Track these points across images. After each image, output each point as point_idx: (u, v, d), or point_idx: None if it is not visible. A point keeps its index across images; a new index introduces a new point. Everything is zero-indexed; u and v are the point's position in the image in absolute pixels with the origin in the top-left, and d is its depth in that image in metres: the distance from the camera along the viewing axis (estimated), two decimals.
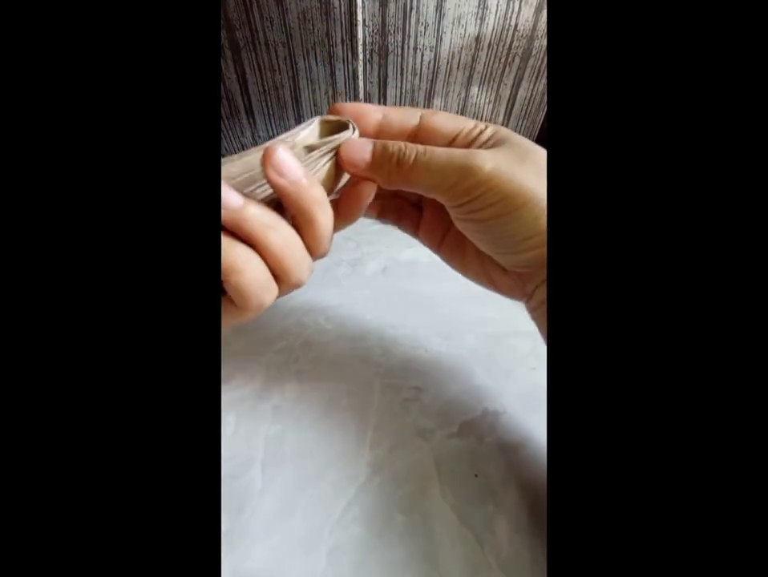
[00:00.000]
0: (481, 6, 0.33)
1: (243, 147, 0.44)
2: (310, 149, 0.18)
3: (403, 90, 0.39)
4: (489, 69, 0.38)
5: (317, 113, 0.41)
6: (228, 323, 0.18)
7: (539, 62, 0.38)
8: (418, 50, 0.36)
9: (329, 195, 0.18)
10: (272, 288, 0.18)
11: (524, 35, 0.35)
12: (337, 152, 0.18)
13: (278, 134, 0.42)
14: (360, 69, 0.37)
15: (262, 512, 0.22)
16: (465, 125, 0.20)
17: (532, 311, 0.21)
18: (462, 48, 0.36)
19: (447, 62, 0.37)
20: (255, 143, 0.44)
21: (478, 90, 0.40)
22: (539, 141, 0.18)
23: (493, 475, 0.23)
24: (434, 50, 0.36)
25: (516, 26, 0.35)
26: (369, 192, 0.20)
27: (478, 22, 0.34)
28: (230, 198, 0.15)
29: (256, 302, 0.17)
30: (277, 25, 0.34)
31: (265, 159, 0.16)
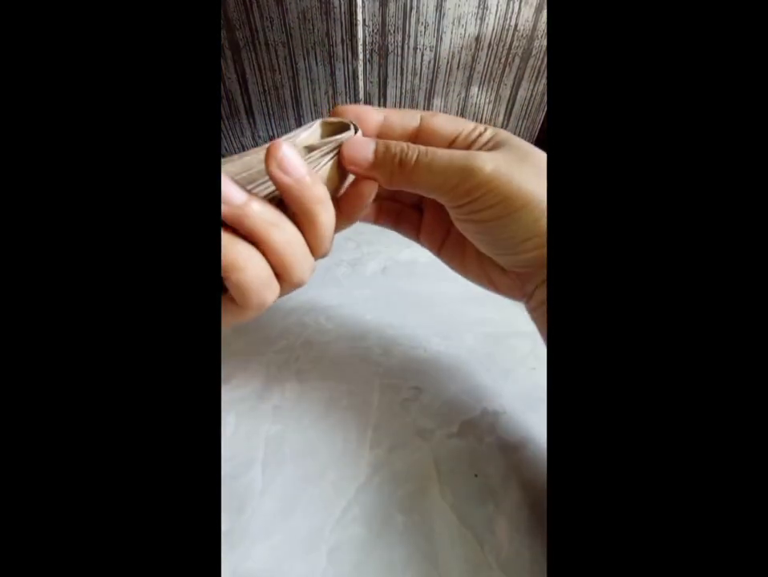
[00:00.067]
0: (481, 6, 0.33)
1: (243, 147, 0.44)
2: (310, 149, 0.18)
3: (403, 90, 0.39)
4: (489, 69, 0.38)
5: (317, 113, 0.41)
6: (229, 322, 0.18)
7: (539, 62, 0.38)
8: (418, 50, 0.36)
9: (330, 195, 0.18)
10: (274, 286, 0.17)
11: (524, 35, 0.35)
12: (338, 152, 0.18)
13: (278, 134, 0.42)
14: (360, 69, 0.37)
15: (262, 512, 0.22)
16: (465, 127, 0.20)
17: (532, 311, 0.21)
18: (462, 48, 0.36)
19: (447, 62, 0.37)
20: (255, 143, 0.44)
21: (479, 90, 0.40)
22: (539, 141, 0.18)
23: (493, 475, 0.23)
24: (434, 50, 0.36)
25: (516, 26, 0.35)
26: (370, 191, 0.20)
27: (478, 22, 0.34)
28: (232, 193, 0.15)
29: (257, 300, 0.17)
30: (277, 25, 0.34)
31: (268, 155, 0.16)
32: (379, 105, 0.40)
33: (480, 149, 0.19)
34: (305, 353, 0.30)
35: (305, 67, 0.37)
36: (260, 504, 0.22)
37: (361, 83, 0.38)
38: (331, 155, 0.18)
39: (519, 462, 0.24)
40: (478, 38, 0.35)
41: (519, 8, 0.34)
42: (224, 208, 0.15)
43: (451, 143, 0.20)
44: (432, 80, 0.38)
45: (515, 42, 0.36)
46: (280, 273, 0.17)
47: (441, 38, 0.35)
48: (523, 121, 0.43)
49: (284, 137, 0.18)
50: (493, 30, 0.35)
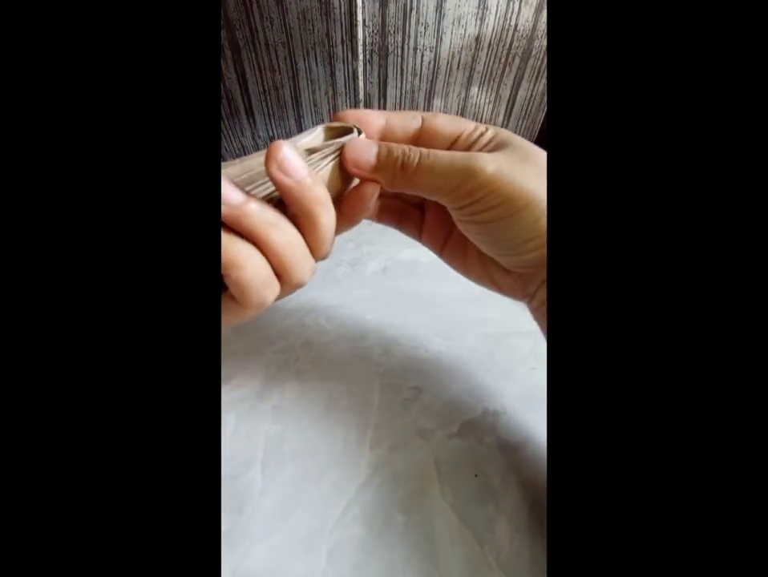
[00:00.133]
0: (481, 7, 0.33)
1: (243, 147, 0.44)
2: (312, 151, 0.18)
3: (403, 91, 0.39)
4: (489, 69, 0.38)
5: (316, 113, 0.41)
6: (230, 321, 0.18)
7: (539, 62, 0.38)
8: (418, 51, 0.36)
9: (333, 197, 0.18)
10: (274, 285, 0.17)
11: (524, 35, 0.36)
12: (340, 154, 0.18)
13: (278, 134, 0.42)
14: (360, 69, 0.37)
15: (262, 512, 0.22)
16: (466, 127, 0.20)
17: (534, 311, 0.21)
18: (462, 48, 0.36)
19: (447, 63, 0.37)
20: (255, 143, 0.44)
21: (479, 90, 0.40)
22: (539, 141, 0.18)
23: (493, 475, 0.23)
24: (434, 50, 0.36)
25: (516, 26, 0.35)
26: (372, 194, 0.20)
27: (479, 22, 0.34)
28: (230, 194, 0.15)
29: (257, 299, 0.17)
30: (277, 25, 0.34)
31: (269, 156, 0.16)
32: (379, 105, 0.40)
33: (482, 149, 0.19)
34: (305, 354, 0.30)
35: (305, 67, 0.37)
36: (259, 504, 0.22)
37: (361, 84, 0.38)
38: (331, 157, 0.18)
39: (519, 462, 0.24)
40: (478, 39, 0.35)
41: (519, 8, 0.34)
42: (223, 209, 0.15)
43: (453, 144, 0.20)
44: (432, 80, 0.38)
45: (515, 42, 0.36)
46: (280, 274, 0.18)
47: (441, 39, 0.35)
48: (523, 121, 0.43)
49: (287, 141, 0.18)
50: (493, 30, 0.35)
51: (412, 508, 0.22)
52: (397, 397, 0.27)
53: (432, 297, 0.34)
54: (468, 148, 0.19)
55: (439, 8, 0.33)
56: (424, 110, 0.41)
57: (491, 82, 0.39)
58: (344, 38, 0.35)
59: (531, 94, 0.41)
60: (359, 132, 0.19)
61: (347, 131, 0.19)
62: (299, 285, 0.18)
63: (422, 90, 0.39)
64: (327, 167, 0.18)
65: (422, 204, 0.25)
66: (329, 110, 0.40)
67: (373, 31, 0.34)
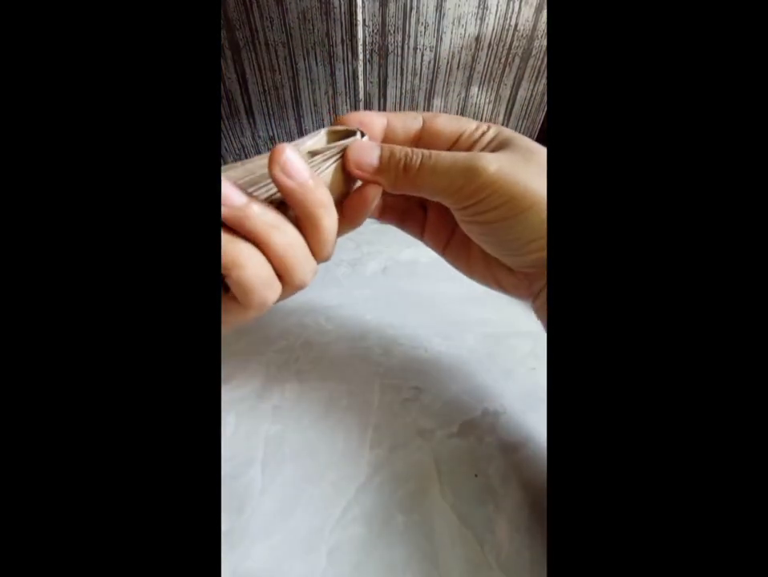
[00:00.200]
0: (481, 6, 0.33)
1: (243, 147, 0.44)
2: (314, 154, 0.18)
3: (403, 91, 0.39)
4: (489, 69, 0.38)
5: (317, 113, 0.41)
6: (231, 322, 0.18)
7: (539, 62, 0.38)
8: (418, 50, 0.36)
9: (335, 200, 0.18)
10: (276, 286, 0.18)
11: (524, 35, 0.35)
12: (343, 156, 0.18)
13: (278, 134, 0.42)
14: (360, 69, 0.37)
15: (262, 512, 0.22)
16: (467, 126, 0.20)
17: (538, 310, 0.21)
18: (462, 48, 0.36)
19: (447, 62, 0.37)
20: (255, 143, 0.44)
21: (479, 90, 0.40)
22: (538, 141, 0.18)
23: (493, 475, 0.23)
24: (434, 50, 0.36)
25: (516, 26, 0.35)
26: (374, 196, 0.20)
27: (478, 22, 0.34)
28: (232, 195, 0.15)
29: (259, 299, 0.17)
30: (277, 25, 0.34)
31: (272, 158, 0.16)
32: (379, 105, 0.40)
33: (483, 148, 0.19)
34: (305, 354, 0.30)
35: (305, 67, 0.37)
36: (259, 504, 0.22)
37: (361, 83, 0.38)
38: (334, 159, 0.18)
39: (519, 462, 0.24)
40: (478, 38, 0.35)
41: (519, 8, 0.34)
42: (224, 210, 0.15)
43: (454, 143, 0.20)
44: (432, 80, 0.38)
45: (515, 42, 0.36)
46: (281, 275, 0.18)
47: (441, 38, 0.35)
48: (523, 121, 0.43)
49: (288, 144, 0.18)
50: (493, 30, 0.35)
51: (412, 508, 0.22)
52: (397, 397, 0.27)
53: (432, 297, 0.34)
54: (470, 147, 0.19)
55: (439, 8, 0.33)
56: (424, 109, 0.41)
57: (491, 82, 0.39)
58: (344, 37, 0.35)
59: (531, 94, 0.41)
60: (362, 135, 0.19)
61: (350, 134, 0.19)
62: (300, 287, 0.18)
63: (422, 90, 0.39)
64: (329, 169, 0.18)
65: (425, 203, 0.24)
66: (329, 109, 0.40)
67: (373, 31, 0.34)
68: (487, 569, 0.20)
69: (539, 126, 0.44)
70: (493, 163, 0.17)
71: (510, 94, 0.41)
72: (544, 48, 0.36)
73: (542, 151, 0.18)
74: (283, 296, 0.18)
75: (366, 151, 0.19)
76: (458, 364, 0.29)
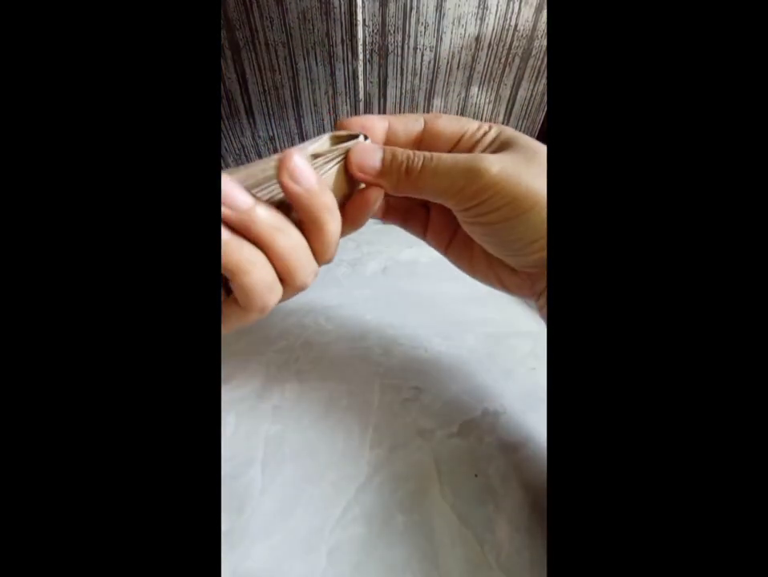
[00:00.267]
0: (481, 6, 0.33)
1: (243, 147, 0.44)
2: (315, 156, 0.18)
3: (403, 90, 0.39)
4: (489, 69, 0.38)
5: (317, 113, 0.41)
6: (232, 324, 0.18)
7: (539, 62, 0.38)
8: (418, 50, 0.36)
9: (338, 202, 0.18)
10: (278, 289, 0.18)
11: (524, 35, 0.35)
12: (345, 158, 0.19)
13: (278, 134, 0.42)
14: (360, 69, 0.37)
15: (262, 512, 0.22)
16: (469, 126, 0.20)
17: (541, 309, 0.21)
18: (462, 48, 0.36)
19: (447, 62, 0.37)
20: (255, 143, 0.44)
21: (479, 90, 0.40)
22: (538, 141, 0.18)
23: (493, 475, 0.23)
24: (434, 50, 0.36)
25: (516, 26, 0.35)
26: (376, 198, 0.20)
27: (479, 22, 0.34)
28: (239, 198, 0.15)
29: (261, 303, 0.17)
30: (277, 25, 0.34)
31: (281, 165, 0.16)
32: (379, 105, 0.40)
33: (485, 148, 0.19)
34: (305, 354, 0.30)
35: (305, 67, 0.37)
36: (259, 504, 0.22)
37: (361, 83, 0.38)
38: (336, 161, 0.18)
39: (519, 462, 0.24)
40: (478, 38, 0.35)
41: (519, 8, 0.34)
42: (230, 213, 0.15)
43: (456, 144, 0.20)
44: (432, 80, 0.38)
45: (515, 42, 0.36)
46: (283, 277, 0.18)
47: (441, 38, 0.35)
48: (523, 121, 0.43)
49: (293, 148, 0.18)
50: (493, 30, 0.35)
51: (412, 508, 0.22)
52: (397, 397, 0.27)
53: (432, 297, 0.34)
54: (472, 148, 0.19)
55: (439, 8, 0.33)
56: (424, 109, 0.41)
57: (491, 82, 0.39)
58: (344, 37, 0.35)
59: (531, 94, 0.41)
60: (365, 138, 0.19)
61: (353, 138, 0.19)
62: (301, 288, 0.19)
63: (422, 90, 0.39)
64: (332, 170, 0.18)
65: (427, 203, 0.24)
66: (329, 109, 0.40)
67: (373, 31, 0.34)
68: (487, 569, 0.20)
69: (539, 126, 0.44)
70: (495, 165, 0.17)
71: (510, 94, 0.41)
72: (544, 48, 0.36)
73: (545, 150, 0.18)
74: (284, 298, 0.19)
75: (369, 154, 0.19)
76: (458, 364, 0.29)
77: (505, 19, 0.34)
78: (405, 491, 0.22)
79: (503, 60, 0.37)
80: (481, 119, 0.42)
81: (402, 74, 0.37)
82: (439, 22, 0.34)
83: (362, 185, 0.20)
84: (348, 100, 0.39)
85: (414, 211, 0.24)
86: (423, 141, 0.20)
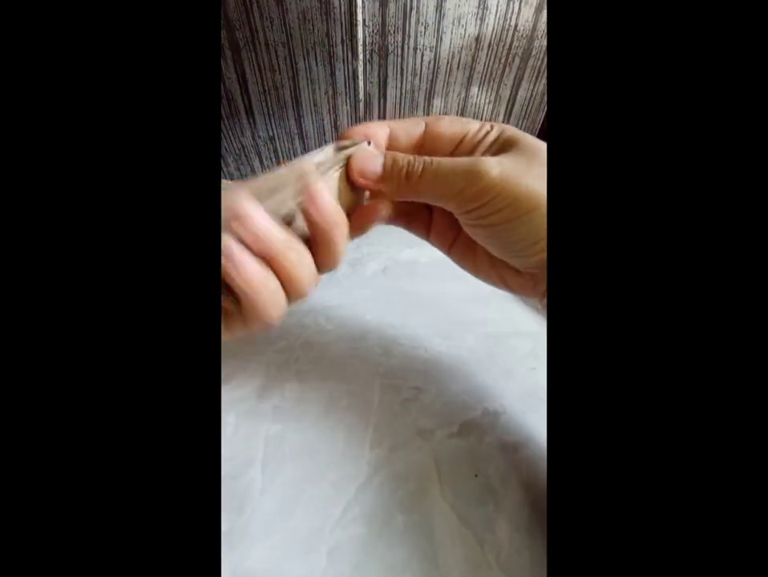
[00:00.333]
0: (481, 6, 0.33)
1: (243, 147, 0.44)
2: (317, 165, 0.18)
3: (403, 91, 0.39)
4: (489, 69, 0.38)
5: (317, 113, 0.41)
6: (235, 334, 0.19)
7: (539, 62, 0.38)
8: (418, 50, 0.36)
9: (345, 211, 0.18)
10: (283, 304, 0.18)
11: (524, 35, 0.35)
12: (347, 165, 0.19)
13: (278, 134, 0.42)
14: (360, 69, 0.37)
15: (262, 512, 0.22)
16: (470, 127, 0.20)
17: (544, 308, 0.21)
18: (462, 48, 0.36)
19: (447, 63, 0.37)
20: (255, 143, 0.44)
21: (479, 90, 0.40)
22: None
23: (493, 475, 0.23)
24: (434, 50, 0.36)
25: (516, 26, 0.35)
26: (382, 210, 0.20)
27: (479, 22, 0.34)
28: (262, 224, 0.16)
29: (268, 318, 0.17)
30: (277, 25, 0.34)
31: (308, 198, 0.17)
32: (379, 105, 0.40)
33: (487, 148, 0.19)
34: (305, 354, 0.30)
35: (305, 67, 0.37)
36: (259, 504, 0.22)
37: (361, 83, 0.38)
38: (336, 166, 0.18)
39: (519, 462, 0.24)
40: (478, 38, 0.35)
41: (519, 8, 0.34)
42: (248, 234, 0.16)
43: (458, 145, 0.20)
44: (432, 80, 0.38)
45: (515, 42, 0.36)
46: (287, 289, 0.18)
47: (441, 39, 0.35)
48: (523, 121, 0.43)
49: (297, 159, 0.18)
50: (493, 30, 0.35)
51: (412, 508, 0.22)
52: (397, 397, 0.27)
53: (432, 297, 0.34)
54: (474, 148, 0.19)
55: (439, 8, 0.33)
56: (424, 109, 0.41)
57: (491, 82, 0.39)
58: (344, 37, 0.35)
59: (531, 94, 0.41)
60: (369, 144, 0.19)
61: (356, 146, 0.19)
62: (303, 298, 0.19)
63: (422, 90, 0.39)
64: (334, 176, 0.18)
65: (430, 205, 0.24)
66: (329, 109, 0.40)
67: (373, 31, 0.34)
68: (487, 569, 0.20)
69: (539, 126, 0.44)
70: (495, 167, 0.17)
71: (510, 94, 0.41)
72: (544, 48, 0.36)
73: (546, 151, 0.18)
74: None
75: (370, 160, 0.19)
76: (458, 364, 0.29)
77: (505, 19, 0.34)
78: (405, 491, 0.22)
79: (503, 60, 0.37)
80: (481, 119, 0.42)
81: (402, 75, 0.37)
82: (439, 22, 0.34)
83: (367, 192, 0.20)
84: (348, 100, 0.39)
85: (417, 212, 0.24)
86: (425, 144, 0.20)
